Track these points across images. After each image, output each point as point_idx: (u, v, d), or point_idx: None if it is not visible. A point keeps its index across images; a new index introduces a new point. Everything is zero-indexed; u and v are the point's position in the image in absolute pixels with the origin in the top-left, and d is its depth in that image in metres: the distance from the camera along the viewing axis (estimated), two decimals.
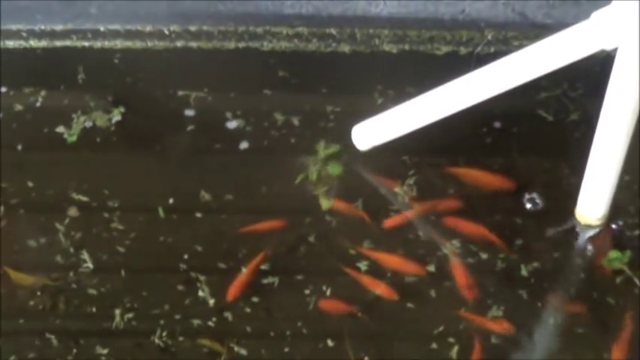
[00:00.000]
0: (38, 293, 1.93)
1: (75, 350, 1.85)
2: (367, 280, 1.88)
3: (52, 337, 1.88)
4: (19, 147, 2.09)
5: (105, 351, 1.85)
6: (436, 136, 1.92)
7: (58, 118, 2.10)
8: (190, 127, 2.07)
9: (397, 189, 1.96)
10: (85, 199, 2.02)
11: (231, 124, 2.07)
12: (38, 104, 2.14)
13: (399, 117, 1.90)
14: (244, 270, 1.90)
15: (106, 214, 2.00)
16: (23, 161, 2.08)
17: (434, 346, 1.81)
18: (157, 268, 1.93)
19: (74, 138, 2.08)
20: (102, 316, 1.89)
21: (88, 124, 2.10)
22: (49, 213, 2.01)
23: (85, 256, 1.95)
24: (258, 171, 2.02)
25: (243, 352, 1.82)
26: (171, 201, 1.98)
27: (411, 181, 1.97)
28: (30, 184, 2.05)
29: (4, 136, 2.10)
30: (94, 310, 1.90)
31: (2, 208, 2.02)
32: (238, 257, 1.92)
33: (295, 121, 2.05)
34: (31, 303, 1.91)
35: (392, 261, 1.87)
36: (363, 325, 1.84)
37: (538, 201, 1.92)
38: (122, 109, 2.10)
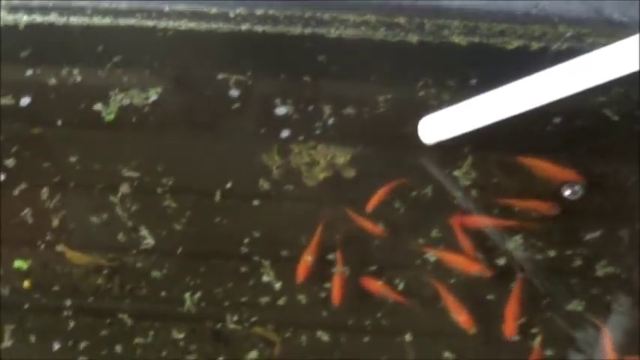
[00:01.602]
0: (105, 272, 1.92)
1: (151, 333, 1.83)
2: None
3: (125, 316, 1.88)
4: (59, 123, 2.05)
5: (181, 335, 1.83)
6: (493, 128, 1.88)
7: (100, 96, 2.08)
8: (242, 112, 2.06)
9: (462, 181, 1.91)
10: (135, 175, 1.98)
11: (280, 110, 2.04)
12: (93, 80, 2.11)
13: (468, 111, 1.86)
14: (309, 251, 1.88)
15: (159, 191, 1.97)
16: (65, 138, 2.06)
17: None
18: (216, 251, 1.90)
19: (112, 116, 2.06)
20: (171, 299, 1.87)
21: (145, 100, 2.08)
22: (100, 190, 2.00)
23: (144, 232, 1.91)
24: (316, 161, 1.97)
25: (303, 339, 1.82)
26: (228, 185, 1.93)
27: (474, 173, 1.94)
28: (74, 160, 2.03)
29: (43, 113, 2.07)
30: (161, 292, 1.88)
31: (47, 189, 2.00)
32: (300, 245, 1.90)
33: (351, 111, 2.00)
34: (94, 282, 1.91)
35: (457, 260, 1.83)
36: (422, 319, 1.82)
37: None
38: (171, 89, 2.06)
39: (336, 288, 1.85)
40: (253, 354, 1.82)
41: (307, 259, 1.88)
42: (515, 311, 1.78)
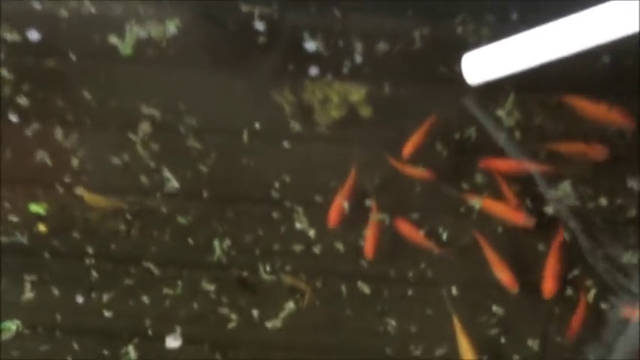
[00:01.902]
0: (127, 216, 1.83)
1: (180, 283, 1.74)
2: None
3: (151, 265, 1.79)
4: (73, 58, 1.92)
5: (212, 287, 1.74)
6: (538, 66, 1.79)
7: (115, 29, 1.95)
8: (269, 47, 1.93)
9: (505, 121, 1.81)
10: (156, 113, 1.87)
11: (309, 45, 1.93)
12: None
13: (515, 50, 1.75)
14: (342, 194, 1.79)
15: (182, 130, 1.86)
16: (79, 73, 1.93)
17: None
18: (245, 195, 1.81)
19: (129, 50, 1.93)
20: (199, 247, 1.78)
21: (163, 33, 1.96)
22: (118, 128, 1.89)
23: (167, 174, 1.81)
24: (349, 101, 1.87)
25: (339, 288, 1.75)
26: (257, 126, 1.82)
27: (518, 115, 1.83)
28: (90, 97, 1.91)
29: (55, 48, 1.94)
30: (188, 238, 1.79)
31: (62, 128, 1.89)
32: (335, 190, 1.81)
33: (384, 47, 1.90)
34: (114, 227, 1.83)
35: (500, 209, 1.73)
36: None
37: None
38: (191, 21, 1.93)
39: (369, 239, 1.76)
40: (286, 305, 1.72)
41: (340, 203, 1.78)
42: (554, 269, 1.69)
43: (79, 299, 1.74)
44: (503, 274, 1.68)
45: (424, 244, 1.72)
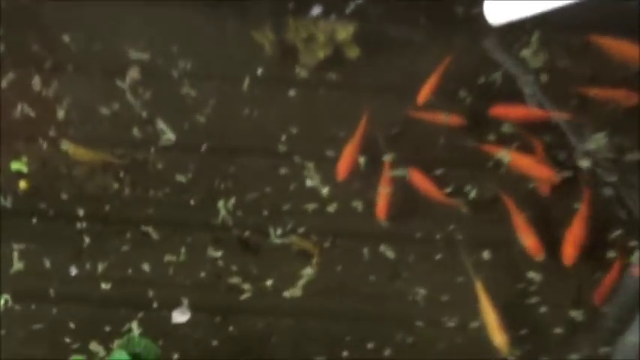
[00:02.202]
0: (121, 173, 1.67)
1: (183, 250, 1.60)
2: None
3: (150, 229, 1.63)
4: None
5: (218, 253, 1.60)
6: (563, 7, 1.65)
7: None
8: None
9: (531, 63, 1.67)
10: (145, 57, 1.70)
11: None
12: None
13: None
14: (352, 146, 1.64)
15: (175, 76, 1.69)
16: (57, 13, 1.75)
17: None
18: (248, 149, 1.66)
19: None
20: (201, 207, 1.63)
21: None
22: (104, 75, 1.72)
23: (161, 125, 1.65)
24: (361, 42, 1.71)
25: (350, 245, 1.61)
26: (259, 72, 1.65)
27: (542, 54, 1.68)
28: (69, 40, 1.73)
29: None
30: (189, 198, 1.64)
31: (40, 77, 1.71)
32: (340, 141, 1.66)
33: None
34: (103, 183, 1.66)
35: (526, 163, 1.60)
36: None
37: None
38: None
39: (382, 199, 1.62)
40: (302, 270, 1.58)
41: (350, 154, 1.64)
42: (576, 233, 1.57)
43: (73, 270, 1.57)
44: (529, 239, 1.54)
45: (441, 198, 1.57)
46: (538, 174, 1.59)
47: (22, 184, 1.65)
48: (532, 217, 1.58)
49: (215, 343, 1.54)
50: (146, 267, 1.59)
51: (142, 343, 1.46)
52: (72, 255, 1.60)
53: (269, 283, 1.57)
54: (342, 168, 1.63)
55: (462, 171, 1.62)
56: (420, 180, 1.61)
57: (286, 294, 1.56)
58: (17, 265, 1.59)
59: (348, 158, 1.63)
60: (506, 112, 1.63)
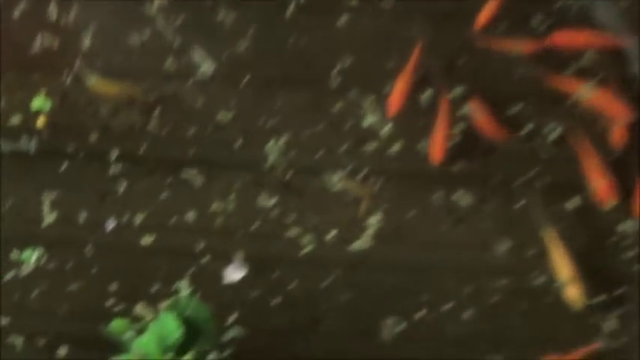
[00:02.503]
0: (156, 111, 1.49)
1: (232, 197, 1.44)
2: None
3: (194, 172, 1.47)
4: None
5: (271, 201, 1.44)
6: None
7: None
8: None
9: None
10: None
11: None
12: None
13: None
14: (403, 76, 1.48)
15: None
16: None
17: None
18: (296, 82, 1.49)
19: None
20: (249, 149, 1.47)
21: None
22: None
23: (197, 56, 1.50)
24: None
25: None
26: None
27: None
28: None
29: None
30: (234, 139, 1.47)
31: (55, 3, 1.53)
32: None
33: None
34: (129, 120, 1.49)
35: (601, 100, 1.45)
36: None
37: None
38: None
39: (437, 140, 1.46)
40: (365, 219, 1.41)
41: (401, 88, 1.48)
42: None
43: (110, 223, 1.40)
44: (601, 183, 1.40)
45: (506, 138, 1.41)
46: (615, 111, 1.43)
47: (40, 122, 1.47)
48: (607, 160, 1.41)
49: (275, 301, 1.38)
50: (191, 216, 1.42)
51: (191, 305, 1.30)
52: (108, 204, 1.42)
53: (332, 234, 1.40)
54: (393, 103, 1.48)
55: (531, 108, 1.46)
56: (484, 118, 1.44)
57: (353, 246, 1.40)
58: (49, 217, 1.42)
59: (398, 93, 1.48)
60: (574, 38, 1.46)
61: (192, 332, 1.30)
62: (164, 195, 1.44)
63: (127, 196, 1.44)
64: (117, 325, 1.32)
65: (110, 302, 1.39)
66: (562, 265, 1.38)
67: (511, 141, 1.44)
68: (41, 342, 1.38)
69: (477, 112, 1.46)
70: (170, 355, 1.28)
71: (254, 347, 1.36)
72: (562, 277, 1.38)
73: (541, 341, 1.37)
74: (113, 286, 1.40)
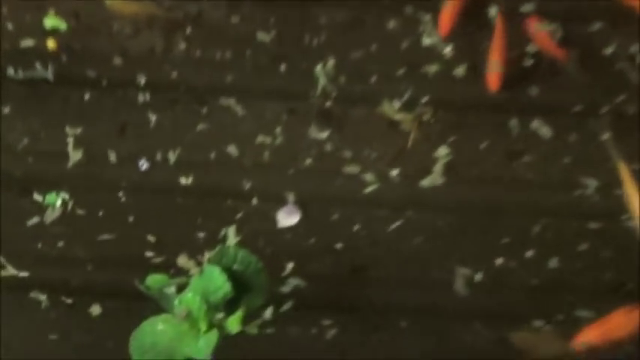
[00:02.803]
0: (187, 30, 1.32)
1: (278, 129, 1.27)
2: None
3: (231, 101, 1.29)
4: None
5: (324, 134, 1.27)
6: None
7: None
8: None
9: None
10: None
11: None
12: None
13: None
14: None
15: None
16: None
17: None
18: None
19: None
20: (295, 73, 1.28)
21: None
22: None
23: None
24: None
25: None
26: None
27: None
28: None
29: None
30: (275, 62, 1.30)
31: None
32: None
33: None
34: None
35: None
36: None
37: None
38: None
39: (494, 63, 1.27)
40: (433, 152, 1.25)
41: (453, 5, 1.29)
42: None
43: (143, 163, 1.23)
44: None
45: (570, 56, 1.25)
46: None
47: (51, 44, 1.28)
48: None
49: (336, 247, 1.21)
50: (233, 150, 1.25)
51: (239, 255, 1.14)
52: (138, 139, 1.25)
53: (396, 170, 1.24)
54: (444, 22, 1.31)
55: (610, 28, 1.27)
56: (549, 38, 1.27)
57: (421, 183, 1.23)
58: (74, 155, 1.24)
59: (451, 9, 1.31)
60: None
61: (242, 287, 1.14)
62: (200, 127, 1.26)
63: (159, 130, 1.26)
64: (155, 280, 1.16)
65: (147, 253, 1.21)
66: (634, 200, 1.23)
67: (583, 64, 1.27)
68: (68, 299, 1.20)
69: (541, 30, 1.29)
70: (217, 313, 1.11)
71: (315, 299, 1.19)
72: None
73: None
74: (150, 235, 1.23)
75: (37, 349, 1.19)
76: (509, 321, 1.19)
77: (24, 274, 1.22)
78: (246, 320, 1.14)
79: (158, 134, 1.27)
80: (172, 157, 1.26)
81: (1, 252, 1.22)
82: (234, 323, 1.14)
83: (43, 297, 1.21)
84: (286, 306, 1.18)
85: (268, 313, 1.17)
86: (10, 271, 1.22)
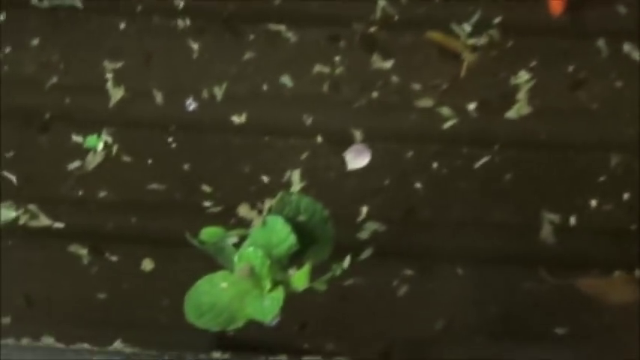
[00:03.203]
0: None
1: (337, 58, 1.13)
2: None
3: (282, 27, 1.15)
4: None
5: (388, 63, 1.12)
6: None
7: None
8: None
9: None
10: None
11: None
12: None
13: None
14: None
15: None
16: None
17: None
18: None
19: None
20: None
21: None
22: None
23: None
24: None
25: None
26: None
27: None
28: None
29: None
30: None
31: None
32: None
33: None
34: None
35: None
36: None
37: None
38: None
39: None
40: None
41: None
42: None
43: (191, 103, 1.09)
44: None
45: None
46: None
47: None
48: None
49: (416, 185, 1.09)
50: (287, 81, 1.12)
51: (302, 203, 1.02)
52: (181, 73, 1.11)
53: (474, 103, 1.11)
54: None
55: None
56: None
57: (506, 115, 1.10)
58: (115, 93, 1.10)
59: None
60: None
61: (306, 238, 1.03)
62: (248, 55, 1.12)
63: (204, 60, 1.12)
64: (210, 233, 1.04)
65: (204, 203, 1.08)
66: None
67: None
68: (114, 255, 1.08)
69: None
70: (281, 268, 1.00)
71: (394, 245, 1.07)
72: None
73: None
74: (205, 183, 1.09)
75: (85, 307, 1.06)
76: (578, 267, 1.07)
77: (59, 224, 1.09)
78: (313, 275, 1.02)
79: (201, 66, 1.12)
80: (219, 92, 1.12)
81: (33, 200, 1.08)
82: (300, 279, 1.03)
83: (83, 251, 1.09)
84: (366, 254, 1.06)
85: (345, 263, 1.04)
86: (44, 221, 1.09)
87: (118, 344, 1.07)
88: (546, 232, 1.08)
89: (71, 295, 1.08)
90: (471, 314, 1.06)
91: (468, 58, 1.12)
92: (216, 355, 1.06)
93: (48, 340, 1.07)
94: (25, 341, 1.07)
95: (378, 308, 1.07)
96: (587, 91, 1.11)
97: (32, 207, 1.10)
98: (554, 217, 1.08)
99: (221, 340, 1.06)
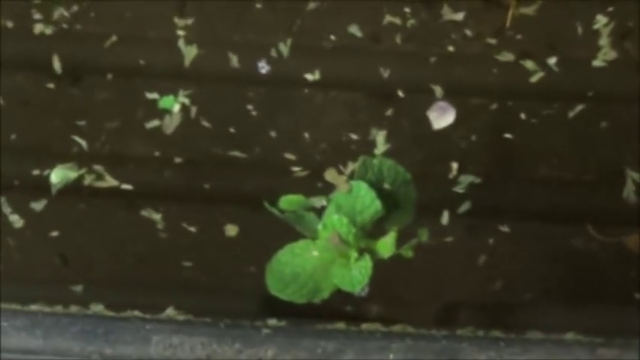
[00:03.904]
0: None
1: (408, 10, 1.06)
2: None
3: None
4: None
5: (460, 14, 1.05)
6: None
7: None
8: None
9: None
10: None
11: None
12: None
13: None
14: None
15: None
16: None
17: None
18: None
19: None
20: None
21: None
22: None
23: None
24: None
25: None
26: None
27: None
28: None
29: None
30: None
31: None
32: None
33: None
34: None
35: None
36: None
37: None
38: None
39: None
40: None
41: None
42: None
43: (263, 66, 1.03)
44: None
45: None
46: None
47: None
48: None
49: (508, 136, 1.04)
50: (356, 32, 1.07)
51: (384, 167, 0.98)
52: (248, 32, 1.05)
53: (557, 56, 1.06)
54: None
55: None
56: None
57: (594, 63, 1.05)
58: (189, 52, 1.03)
59: None
60: None
61: (390, 203, 0.98)
62: (312, 5, 1.06)
63: (268, 18, 1.05)
64: (289, 201, 1.00)
65: (291, 167, 1.03)
66: None
67: None
68: (190, 221, 1.03)
69: None
70: (366, 234, 0.97)
71: (490, 198, 1.03)
72: None
73: None
74: (288, 152, 1.04)
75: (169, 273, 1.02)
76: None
77: (127, 186, 1.04)
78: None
79: (266, 23, 1.06)
80: (285, 49, 1.06)
81: (99, 161, 1.02)
82: (387, 246, 0.99)
83: (157, 216, 1.03)
84: (464, 208, 1.02)
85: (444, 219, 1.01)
86: (110, 181, 1.04)
87: (170, 311, 1.02)
88: (629, 190, 1.05)
89: (148, 260, 1.03)
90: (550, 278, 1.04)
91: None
92: (272, 322, 1.02)
93: (97, 308, 1.02)
94: (73, 309, 1.02)
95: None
96: None
97: (98, 167, 1.04)
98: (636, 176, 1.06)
99: (275, 308, 1.02)
